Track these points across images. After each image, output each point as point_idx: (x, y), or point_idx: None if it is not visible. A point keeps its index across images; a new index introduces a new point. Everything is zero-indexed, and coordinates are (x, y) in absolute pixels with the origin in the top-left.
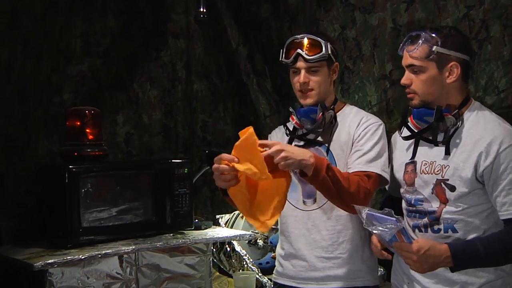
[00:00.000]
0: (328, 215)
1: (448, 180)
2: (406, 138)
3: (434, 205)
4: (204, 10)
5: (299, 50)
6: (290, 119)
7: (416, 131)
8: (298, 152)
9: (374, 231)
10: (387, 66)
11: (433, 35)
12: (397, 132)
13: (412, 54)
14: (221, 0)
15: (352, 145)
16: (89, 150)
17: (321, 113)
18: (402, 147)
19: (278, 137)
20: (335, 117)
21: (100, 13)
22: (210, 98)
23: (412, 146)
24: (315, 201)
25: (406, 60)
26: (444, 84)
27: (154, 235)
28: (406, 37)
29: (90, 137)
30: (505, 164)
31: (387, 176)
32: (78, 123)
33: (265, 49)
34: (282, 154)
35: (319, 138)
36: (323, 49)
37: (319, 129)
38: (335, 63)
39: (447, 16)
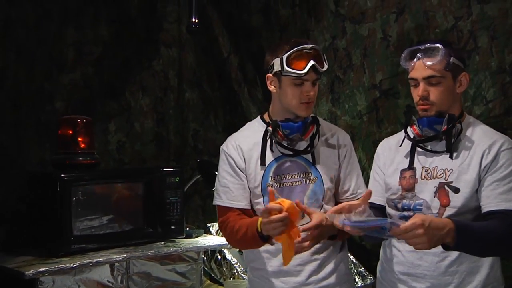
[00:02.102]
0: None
1: (452, 182)
2: (417, 142)
3: (435, 210)
4: (196, 20)
5: (312, 61)
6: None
7: (418, 138)
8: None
9: (367, 233)
10: (377, 76)
11: (448, 47)
12: (385, 140)
13: (432, 66)
14: (213, 10)
15: (340, 164)
16: (81, 158)
17: (313, 125)
18: (394, 154)
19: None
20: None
21: (93, 22)
22: (202, 106)
23: (406, 153)
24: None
25: (425, 72)
26: (455, 94)
27: (145, 244)
28: (415, 50)
29: (82, 145)
30: (501, 163)
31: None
32: (70, 132)
33: (256, 58)
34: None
35: (301, 149)
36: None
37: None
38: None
39: (436, 27)
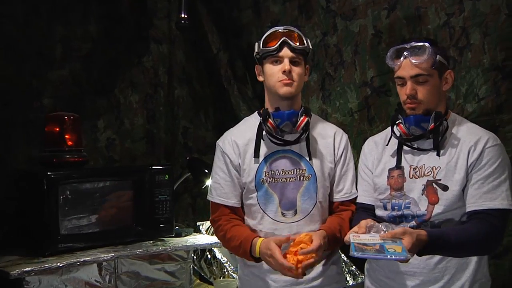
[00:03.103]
0: (312, 226)
1: (440, 180)
2: (405, 141)
3: (423, 208)
4: (185, 16)
5: (284, 38)
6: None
7: (405, 137)
8: None
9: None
10: (368, 73)
11: (434, 46)
12: (370, 138)
13: (419, 64)
14: (202, 6)
15: (336, 164)
16: (68, 156)
17: (305, 116)
18: (381, 153)
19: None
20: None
21: (81, 18)
22: (191, 104)
23: (393, 152)
24: (295, 212)
25: (412, 70)
26: (441, 92)
27: (134, 242)
28: (401, 48)
29: (70, 143)
30: (486, 160)
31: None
32: (57, 129)
33: (246, 55)
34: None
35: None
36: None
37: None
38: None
39: (427, 23)
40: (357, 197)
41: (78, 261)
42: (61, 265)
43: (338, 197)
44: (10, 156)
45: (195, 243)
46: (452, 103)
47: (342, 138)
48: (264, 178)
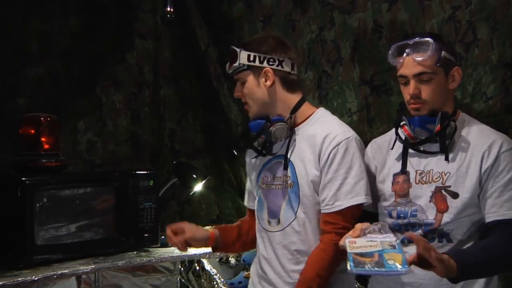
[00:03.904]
0: (291, 238)
1: (450, 187)
2: (410, 145)
3: (430, 216)
4: (171, 10)
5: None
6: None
7: (410, 140)
8: None
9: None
10: (368, 71)
11: (438, 41)
12: (373, 141)
13: (422, 61)
14: None
15: (321, 171)
16: (44, 160)
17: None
18: (385, 156)
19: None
20: (290, 129)
21: (60, 11)
22: (179, 104)
23: (398, 156)
24: (278, 222)
25: (415, 68)
26: (448, 91)
27: (116, 253)
28: (403, 45)
29: (46, 146)
30: (503, 166)
31: (370, 199)
32: (33, 131)
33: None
34: None
35: (276, 150)
36: (238, 59)
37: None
38: (263, 69)
39: (431, 17)
40: (347, 211)
41: (54, 274)
42: (36, 278)
43: (322, 208)
44: None
45: (182, 254)
46: (458, 102)
47: (333, 140)
48: (260, 184)
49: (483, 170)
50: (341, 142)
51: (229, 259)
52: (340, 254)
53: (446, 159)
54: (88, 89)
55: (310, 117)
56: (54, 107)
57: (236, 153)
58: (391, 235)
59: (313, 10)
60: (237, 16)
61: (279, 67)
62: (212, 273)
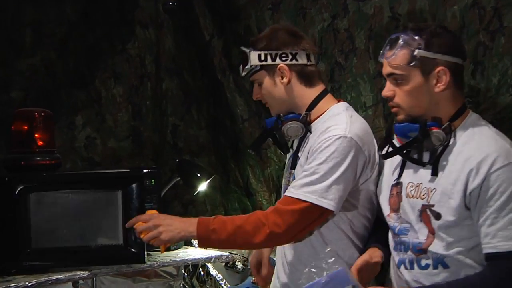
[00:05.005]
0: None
1: (433, 206)
2: (385, 156)
3: (422, 236)
4: None
5: None
6: None
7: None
8: (175, 226)
9: None
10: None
11: (415, 36)
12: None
13: (391, 61)
14: None
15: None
16: (38, 158)
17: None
18: (388, 166)
19: None
20: (305, 128)
21: None
22: (182, 98)
23: (397, 164)
24: None
25: (385, 69)
26: (433, 94)
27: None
28: (386, 42)
29: (40, 143)
30: (494, 188)
31: (330, 205)
32: (26, 127)
33: (243, 41)
34: (156, 231)
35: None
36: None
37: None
38: (277, 66)
39: (453, 4)
40: (301, 205)
41: (50, 280)
42: (29, 284)
43: None
44: None
45: (186, 258)
46: (482, 95)
47: (325, 134)
48: (282, 179)
49: (468, 191)
50: (330, 138)
51: (236, 263)
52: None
53: (433, 173)
54: (86, 81)
55: (324, 113)
56: (49, 101)
57: (251, 151)
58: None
59: None
60: (243, 4)
61: (294, 61)
62: (218, 279)
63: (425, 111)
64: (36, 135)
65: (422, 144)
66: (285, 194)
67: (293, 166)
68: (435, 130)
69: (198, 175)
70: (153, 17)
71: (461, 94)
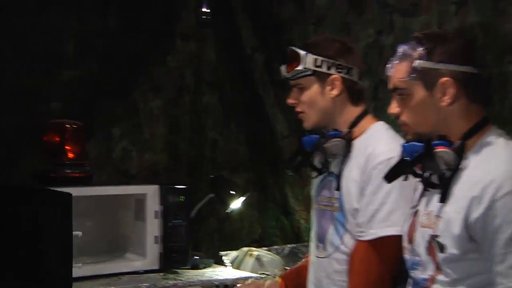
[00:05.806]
0: (337, 267)
1: (438, 236)
2: (385, 178)
3: (428, 271)
4: (208, 10)
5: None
6: None
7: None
8: None
9: None
10: None
11: (417, 46)
12: None
13: (393, 74)
14: None
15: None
16: (68, 171)
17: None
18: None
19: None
20: (348, 145)
21: (97, 10)
22: (222, 112)
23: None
24: (324, 247)
25: (389, 84)
26: (440, 109)
27: (140, 273)
28: None
29: (71, 155)
30: (501, 218)
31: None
32: (57, 139)
33: (286, 56)
34: None
35: (333, 170)
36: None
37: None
38: (330, 76)
39: (508, 21)
40: (380, 240)
41: None
42: None
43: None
44: (14, 169)
45: (213, 278)
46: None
47: (375, 159)
48: (314, 203)
49: (470, 221)
50: (383, 162)
51: None
52: None
53: (441, 199)
54: (124, 93)
55: (366, 132)
56: (87, 112)
57: (290, 173)
58: None
59: (370, 13)
60: (287, 17)
61: (348, 76)
62: None
63: (432, 128)
64: (67, 147)
65: (425, 165)
66: (362, 239)
67: (337, 187)
68: (439, 149)
69: (232, 192)
70: (195, 30)
71: (479, 108)
